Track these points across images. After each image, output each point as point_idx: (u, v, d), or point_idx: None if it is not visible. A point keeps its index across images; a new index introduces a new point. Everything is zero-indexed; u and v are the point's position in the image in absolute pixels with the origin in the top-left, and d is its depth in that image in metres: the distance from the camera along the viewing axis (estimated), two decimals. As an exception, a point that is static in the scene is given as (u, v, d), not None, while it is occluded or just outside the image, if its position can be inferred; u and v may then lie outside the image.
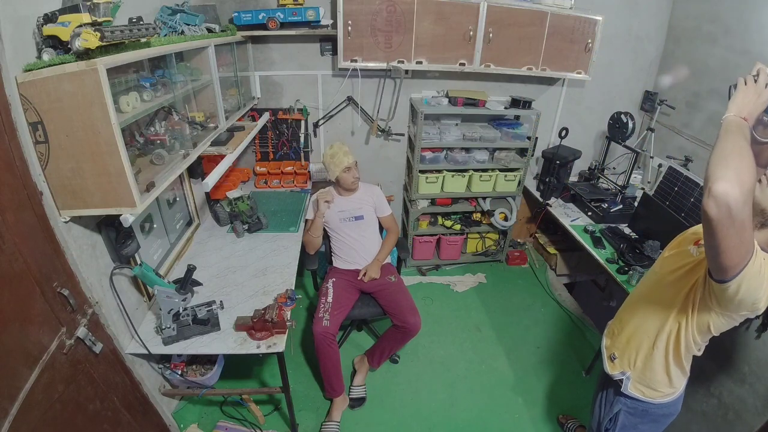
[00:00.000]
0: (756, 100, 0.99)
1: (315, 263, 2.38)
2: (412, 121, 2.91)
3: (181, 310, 1.66)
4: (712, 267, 0.97)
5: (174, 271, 2.05)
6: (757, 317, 2.02)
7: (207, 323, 1.71)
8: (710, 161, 0.88)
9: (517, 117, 3.01)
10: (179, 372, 1.89)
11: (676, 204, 2.48)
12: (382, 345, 2.26)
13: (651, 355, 1.30)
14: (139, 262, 1.67)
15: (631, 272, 2.10)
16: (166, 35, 1.69)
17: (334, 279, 2.25)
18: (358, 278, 2.25)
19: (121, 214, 1.34)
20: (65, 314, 1.27)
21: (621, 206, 2.63)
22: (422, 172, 2.87)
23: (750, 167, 0.86)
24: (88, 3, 1.14)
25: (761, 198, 1.06)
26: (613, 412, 1.45)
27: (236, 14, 2.32)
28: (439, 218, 3.20)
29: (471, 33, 2.48)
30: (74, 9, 1.13)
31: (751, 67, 1.04)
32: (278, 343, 1.64)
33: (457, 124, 2.94)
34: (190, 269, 1.62)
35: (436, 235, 3.20)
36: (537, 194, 3.03)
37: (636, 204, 2.62)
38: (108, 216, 1.42)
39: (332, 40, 2.59)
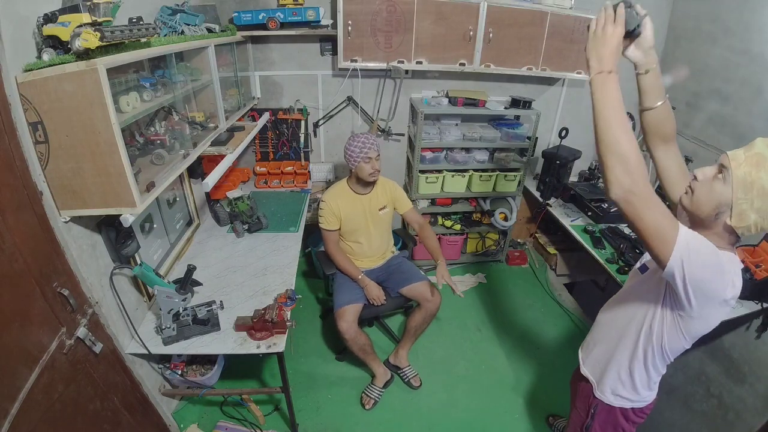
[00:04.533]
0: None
1: (333, 267, 2.28)
2: (412, 121, 2.91)
3: (181, 310, 1.66)
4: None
5: (174, 271, 2.05)
6: (758, 317, 2.03)
7: (207, 323, 1.70)
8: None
9: (517, 117, 3.01)
10: (179, 372, 1.89)
11: (676, 204, 2.48)
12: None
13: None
14: (139, 262, 1.67)
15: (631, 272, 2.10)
16: (166, 35, 1.69)
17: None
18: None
19: (121, 214, 1.34)
20: (65, 314, 1.27)
21: (621, 206, 2.63)
22: (422, 172, 2.87)
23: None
24: (88, 3, 1.13)
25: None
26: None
27: (236, 14, 2.32)
28: (439, 218, 3.20)
29: (471, 33, 2.48)
30: (74, 9, 1.13)
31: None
32: (278, 343, 1.64)
33: (457, 124, 2.94)
34: (190, 269, 1.62)
35: (436, 235, 3.20)
36: (537, 194, 3.03)
37: (693, 175, 2.60)
38: (108, 216, 1.42)
39: (332, 40, 2.59)
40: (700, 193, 1.01)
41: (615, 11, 0.96)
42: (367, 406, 2.20)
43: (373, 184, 2.20)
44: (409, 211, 2.31)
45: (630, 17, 0.98)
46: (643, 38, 1.06)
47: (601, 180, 2.97)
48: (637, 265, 1.30)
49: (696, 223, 1.05)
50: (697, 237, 0.93)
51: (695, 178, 1.04)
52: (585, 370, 1.41)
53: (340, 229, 2.21)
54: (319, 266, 2.38)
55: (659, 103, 1.22)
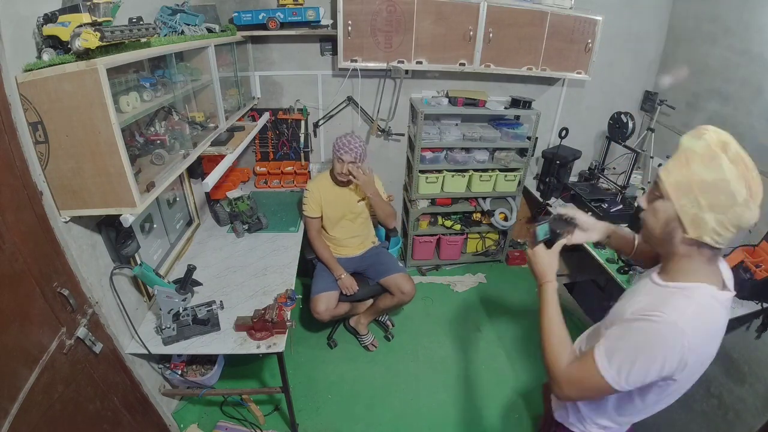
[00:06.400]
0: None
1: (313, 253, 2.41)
2: (412, 121, 2.91)
3: (181, 310, 1.66)
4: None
5: (174, 271, 2.05)
6: (759, 317, 2.03)
7: (207, 323, 1.70)
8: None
9: (517, 117, 3.01)
10: (179, 372, 1.89)
11: (676, 204, 2.48)
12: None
13: None
14: (139, 262, 1.67)
15: (631, 272, 2.10)
16: (166, 35, 1.69)
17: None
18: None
19: (121, 214, 1.34)
20: (65, 314, 1.27)
21: (621, 206, 2.63)
22: (422, 172, 2.87)
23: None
24: (88, 3, 1.13)
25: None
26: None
27: (236, 14, 2.32)
28: (439, 218, 3.20)
29: (471, 33, 2.48)
30: (74, 9, 1.13)
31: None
32: (278, 343, 1.64)
33: (457, 124, 2.94)
34: (190, 269, 1.62)
35: (436, 235, 3.20)
36: (537, 194, 3.03)
37: (636, 204, 2.62)
38: (108, 216, 1.42)
39: (332, 40, 2.59)
40: (648, 220, 0.94)
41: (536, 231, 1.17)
42: (374, 348, 2.53)
43: (347, 182, 2.27)
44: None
45: (556, 225, 1.16)
46: (582, 225, 1.23)
47: (601, 180, 2.97)
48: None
49: (662, 257, 0.97)
50: (615, 349, 0.89)
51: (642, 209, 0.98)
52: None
53: (321, 217, 2.32)
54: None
55: (634, 251, 1.28)
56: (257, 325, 1.64)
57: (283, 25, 2.37)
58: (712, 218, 0.82)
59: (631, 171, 2.68)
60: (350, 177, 2.15)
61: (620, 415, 1.07)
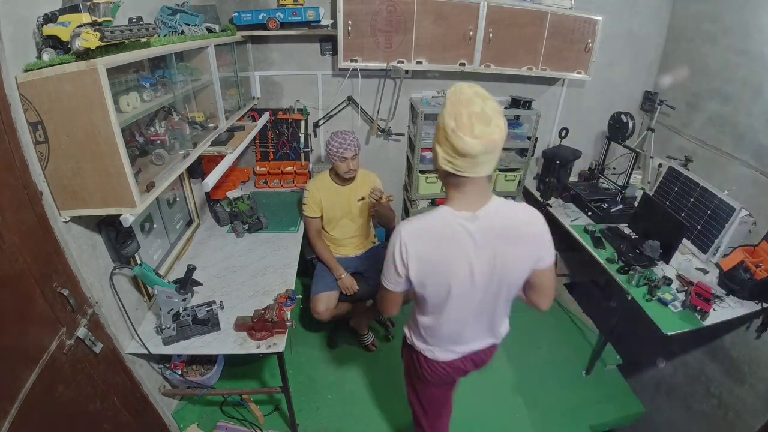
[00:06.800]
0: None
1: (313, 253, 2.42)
2: (412, 121, 2.91)
3: (181, 310, 1.66)
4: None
5: (174, 271, 2.05)
6: (759, 317, 2.03)
7: (207, 323, 1.70)
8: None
9: (517, 117, 3.00)
10: (179, 372, 1.89)
11: (676, 204, 2.48)
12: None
13: None
14: (139, 262, 1.67)
15: (631, 272, 2.11)
16: (166, 35, 1.69)
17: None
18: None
19: (121, 214, 1.34)
20: (65, 314, 1.27)
21: (621, 206, 2.63)
22: (422, 172, 2.86)
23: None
24: (88, 3, 1.13)
25: None
26: None
27: (236, 14, 2.32)
28: (439, 218, 3.20)
29: (471, 33, 2.48)
30: (74, 9, 1.13)
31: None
32: (278, 343, 1.64)
33: (457, 124, 2.93)
34: (190, 269, 1.62)
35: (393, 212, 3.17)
36: (537, 194, 3.03)
37: (636, 204, 2.62)
38: (108, 216, 1.42)
39: (332, 40, 2.59)
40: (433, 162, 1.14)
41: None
42: (374, 348, 2.54)
43: (352, 177, 2.28)
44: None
45: None
46: None
47: (601, 180, 2.97)
48: None
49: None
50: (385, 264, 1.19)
51: None
52: None
53: (321, 217, 2.32)
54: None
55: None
56: (257, 325, 1.64)
57: (283, 25, 2.37)
58: (440, 150, 1.02)
59: (631, 171, 2.68)
60: (372, 199, 2.15)
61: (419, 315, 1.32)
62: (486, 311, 1.26)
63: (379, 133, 2.88)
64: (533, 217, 1.15)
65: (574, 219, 2.69)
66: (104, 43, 1.12)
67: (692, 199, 2.38)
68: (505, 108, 2.81)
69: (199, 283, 1.81)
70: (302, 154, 2.93)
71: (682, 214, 2.41)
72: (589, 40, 2.63)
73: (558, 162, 2.82)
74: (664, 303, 1.97)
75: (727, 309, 1.96)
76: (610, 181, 2.89)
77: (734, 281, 2.00)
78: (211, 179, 1.85)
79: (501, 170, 2.93)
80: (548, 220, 3.12)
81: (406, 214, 3.26)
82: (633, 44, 2.92)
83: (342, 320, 2.62)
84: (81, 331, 1.32)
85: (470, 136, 0.95)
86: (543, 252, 1.17)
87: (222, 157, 1.99)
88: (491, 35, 2.49)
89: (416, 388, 1.53)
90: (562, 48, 2.63)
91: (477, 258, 1.10)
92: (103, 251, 1.52)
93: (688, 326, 1.87)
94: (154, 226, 1.91)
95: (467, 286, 1.14)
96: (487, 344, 1.39)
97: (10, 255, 1.07)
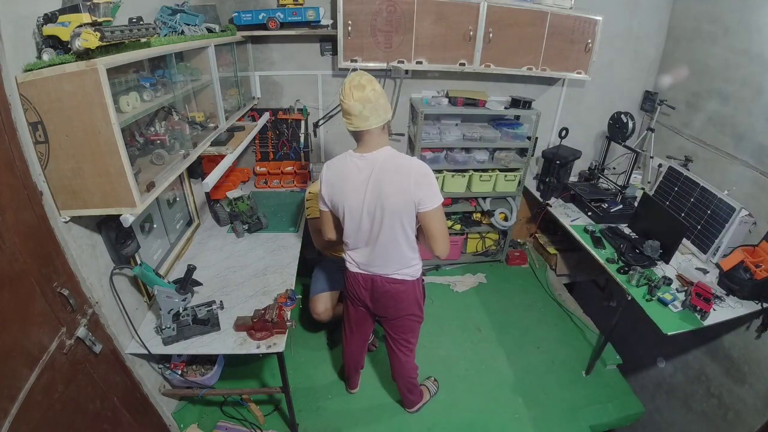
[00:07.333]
0: None
1: (314, 253, 2.45)
2: (412, 121, 2.91)
3: (181, 310, 1.66)
4: None
5: (174, 271, 2.05)
6: (759, 317, 2.03)
7: (207, 323, 1.70)
8: None
9: (517, 117, 3.00)
10: (179, 372, 1.89)
11: (676, 204, 2.49)
12: None
13: None
14: (139, 262, 1.67)
15: (631, 272, 2.11)
16: (166, 35, 1.69)
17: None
18: None
19: (121, 214, 1.34)
20: (65, 314, 1.27)
21: (621, 206, 2.63)
22: (422, 172, 2.86)
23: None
24: (88, 3, 1.14)
25: None
26: None
27: (236, 14, 2.32)
28: (439, 218, 3.20)
29: (471, 33, 2.48)
30: (74, 9, 1.13)
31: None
32: (278, 343, 1.64)
33: (457, 124, 2.93)
34: (190, 269, 1.62)
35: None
36: (537, 194, 3.03)
37: (636, 204, 2.62)
38: (108, 216, 1.42)
39: (332, 40, 2.59)
40: None
41: None
42: (374, 348, 2.47)
43: None
44: None
45: None
46: None
47: (601, 180, 2.97)
48: None
49: None
50: None
51: None
52: None
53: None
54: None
55: None
56: (257, 325, 1.64)
57: (283, 25, 2.37)
58: (343, 118, 1.46)
59: (631, 171, 2.69)
60: None
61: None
62: (378, 238, 1.51)
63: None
64: (414, 162, 1.45)
65: (574, 219, 2.69)
66: (104, 43, 1.12)
67: (692, 199, 2.39)
68: (505, 108, 2.81)
69: (199, 283, 1.81)
70: (302, 154, 2.93)
71: (682, 214, 2.41)
72: (589, 40, 2.63)
73: (558, 162, 2.82)
74: (664, 303, 1.97)
75: (727, 309, 1.96)
76: (610, 181, 2.89)
77: (734, 281, 2.00)
78: (211, 179, 1.85)
79: (501, 170, 2.93)
80: (548, 219, 3.14)
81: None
82: (633, 44, 2.93)
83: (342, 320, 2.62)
84: (81, 331, 1.32)
85: (351, 100, 1.37)
86: (422, 193, 1.41)
87: (222, 157, 1.99)
88: (491, 35, 2.49)
89: (346, 304, 1.86)
90: (562, 48, 2.63)
91: (362, 185, 1.45)
92: (103, 251, 1.52)
93: (688, 326, 1.88)
94: (154, 226, 1.91)
95: (357, 206, 1.48)
96: (382, 273, 1.61)
97: (10, 255, 1.07)
